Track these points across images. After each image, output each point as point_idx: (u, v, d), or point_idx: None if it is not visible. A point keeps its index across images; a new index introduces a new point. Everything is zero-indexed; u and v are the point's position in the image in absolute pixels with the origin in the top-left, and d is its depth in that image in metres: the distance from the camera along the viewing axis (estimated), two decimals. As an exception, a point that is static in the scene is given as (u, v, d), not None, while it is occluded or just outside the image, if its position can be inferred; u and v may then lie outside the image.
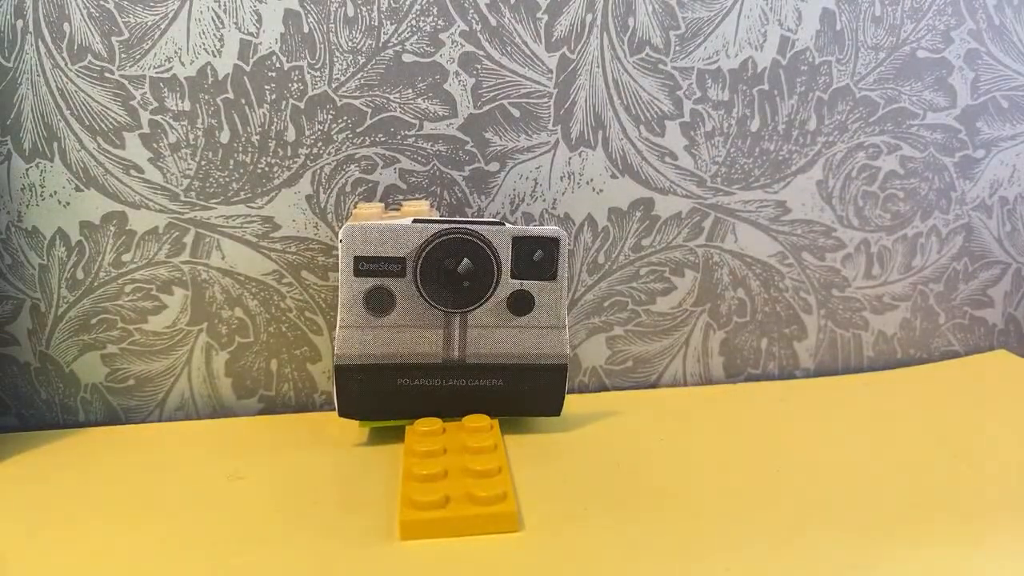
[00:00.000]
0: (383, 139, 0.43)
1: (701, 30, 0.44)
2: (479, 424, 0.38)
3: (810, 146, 0.47)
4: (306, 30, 0.42)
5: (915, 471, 0.35)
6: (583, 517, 0.32)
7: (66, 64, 0.41)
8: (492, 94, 0.44)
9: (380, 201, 0.44)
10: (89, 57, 0.41)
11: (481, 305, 0.38)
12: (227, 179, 0.43)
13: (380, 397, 0.38)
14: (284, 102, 0.42)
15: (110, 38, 0.41)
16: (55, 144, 0.41)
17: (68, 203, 0.42)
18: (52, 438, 0.42)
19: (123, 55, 0.41)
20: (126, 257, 0.43)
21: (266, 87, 0.42)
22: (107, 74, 0.41)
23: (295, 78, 0.42)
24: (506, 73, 0.43)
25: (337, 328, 0.37)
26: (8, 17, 0.40)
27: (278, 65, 0.42)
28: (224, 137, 0.42)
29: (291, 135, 0.43)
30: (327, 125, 0.43)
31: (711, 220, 0.47)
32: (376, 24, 0.42)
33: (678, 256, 0.47)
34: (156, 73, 0.41)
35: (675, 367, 0.48)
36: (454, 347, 0.38)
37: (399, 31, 0.42)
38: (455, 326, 0.38)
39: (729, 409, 0.43)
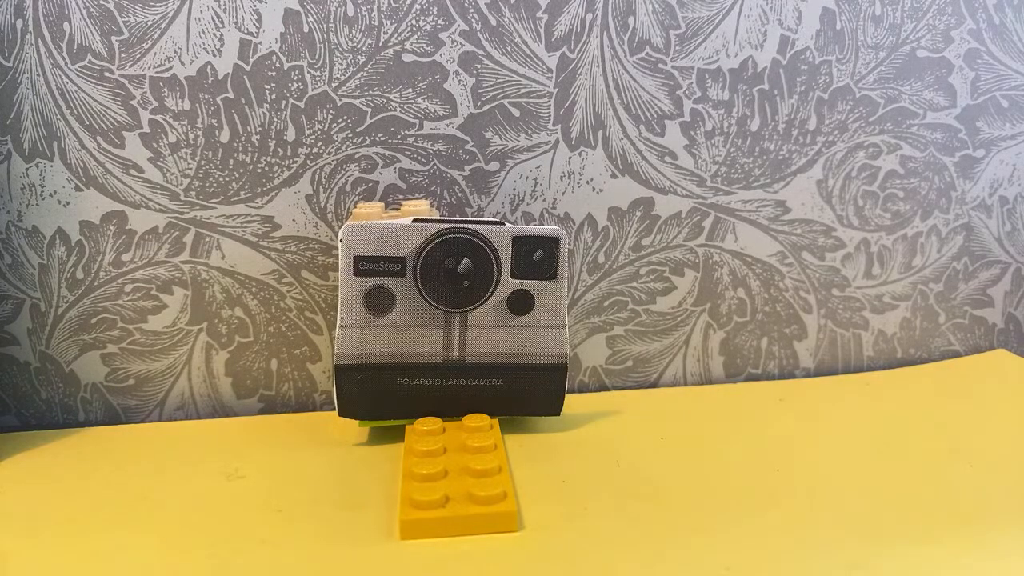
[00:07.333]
0: (383, 139, 0.43)
1: (701, 29, 0.44)
2: (479, 424, 0.38)
3: (810, 146, 0.47)
4: (306, 30, 0.42)
5: (915, 471, 0.35)
6: (583, 517, 0.32)
7: (66, 64, 0.41)
8: (492, 94, 0.44)
9: (380, 201, 0.44)
10: (89, 57, 0.41)
11: (481, 305, 0.38)
12: (227, 179, 0.43)
13: (380, 397, 0.38)
14: (284, 102, 0.42)
15: (110, 37, 0.41)
16: (55, 144, 0.41)
17: (68, 203, 0.42)
18: (52, 438, 0.42)
19: (123, 55, 0.41)
20: (126, 257, 0.43)
21: (266, 87, 0.42)
22: (107, 74, 0.41)
23: (295, 78, 0.42)
24: (506, 73, 0.43)
25: (337, 328, 0.37)
26: (8, 16, 0.40)
27: (278, 65, 0.42)
28: (224, 137, 0.42)
29: (291, 135, 0.43)
30: (327, 125, 0.43)
31: (711, 220, 0.47)
32: (376, 24, 0.42)
33: (678, 256, 0.47)
34: (156, 73, 0.41)
35: (675, 367, 0.48)
36: (454, 347, 0.38)
37: (399, 31, 0.42)
38: (455, 326, 0.38)
39: (729, 409, 0.43)
